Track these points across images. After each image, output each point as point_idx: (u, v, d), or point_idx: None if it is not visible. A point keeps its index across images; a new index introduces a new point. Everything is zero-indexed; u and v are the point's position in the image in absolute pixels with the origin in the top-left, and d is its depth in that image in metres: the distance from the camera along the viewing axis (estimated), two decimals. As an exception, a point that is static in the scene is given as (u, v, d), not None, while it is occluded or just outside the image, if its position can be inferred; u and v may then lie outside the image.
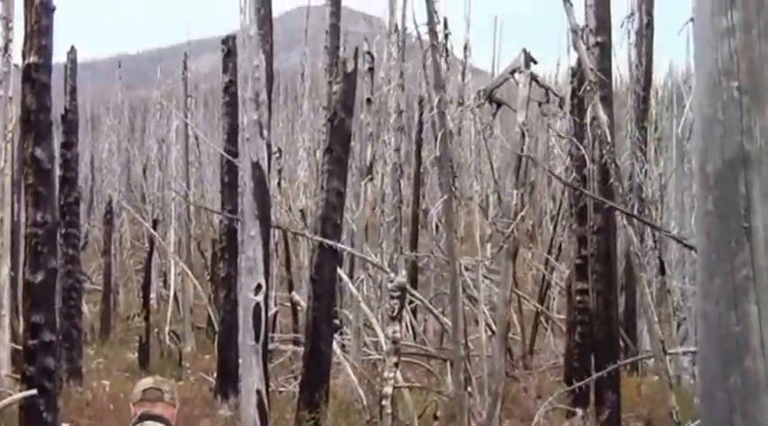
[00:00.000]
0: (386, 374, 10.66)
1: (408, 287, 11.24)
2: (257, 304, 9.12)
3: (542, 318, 21.11)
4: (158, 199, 32.08)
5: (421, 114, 23.05)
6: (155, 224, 25.78)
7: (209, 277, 24.92)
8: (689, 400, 15.54)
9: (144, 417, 5.12)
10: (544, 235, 23.83)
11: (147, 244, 24.99)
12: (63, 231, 15.18)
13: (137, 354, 20.44)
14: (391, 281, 10.91)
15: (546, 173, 22.39)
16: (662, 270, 18.92)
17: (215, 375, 15.78)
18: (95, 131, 52.11)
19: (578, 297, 14.47)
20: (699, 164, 2.65)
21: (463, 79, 25.33)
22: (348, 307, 16.72)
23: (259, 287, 9.18)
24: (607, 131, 10.74)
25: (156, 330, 21.28)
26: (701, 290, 2.58)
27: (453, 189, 8.67)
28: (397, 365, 10.73)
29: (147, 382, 5.42)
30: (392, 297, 10.79)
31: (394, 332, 10.73)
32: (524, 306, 21.02)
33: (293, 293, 18.83)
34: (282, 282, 22.79)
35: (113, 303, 27.03)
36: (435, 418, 13.88)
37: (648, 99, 20.11)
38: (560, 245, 21.86)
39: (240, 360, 9.67)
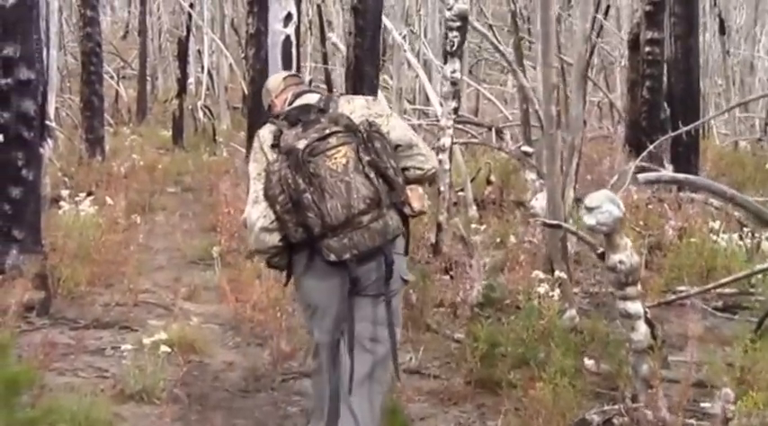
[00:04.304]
0: (443, 122, 8.09)
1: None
2: (287, 37, 7.54)
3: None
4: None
5: None
6: (191, 5, 23.02)
7: (243, 55, 22.35)
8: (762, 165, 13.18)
9: (299, 94, 4.06)
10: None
11: (184, 29, 22.23)
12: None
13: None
14: (450, 9, 8.21)
15: None
16: (721, 30, 16.14)
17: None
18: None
19: (647, 48, 11.72)
20: None
21: None
22: (387, 72, 14.06)
23: (289, 16, 7.56)
24: None
25: (189, 106, 19.07)
26: None
27: None
28: (456, 111, 8.16)
29: (279, 74, 4.40)
30: (451, 29, 8.16)
31: (453, 71, 8.12)
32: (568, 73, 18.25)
33: (330, 35, 16.15)
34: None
35: (152, 87, 24.98)
36: (489, 183, 11.47)
37: None
38: (607, 7, 18.76)
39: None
